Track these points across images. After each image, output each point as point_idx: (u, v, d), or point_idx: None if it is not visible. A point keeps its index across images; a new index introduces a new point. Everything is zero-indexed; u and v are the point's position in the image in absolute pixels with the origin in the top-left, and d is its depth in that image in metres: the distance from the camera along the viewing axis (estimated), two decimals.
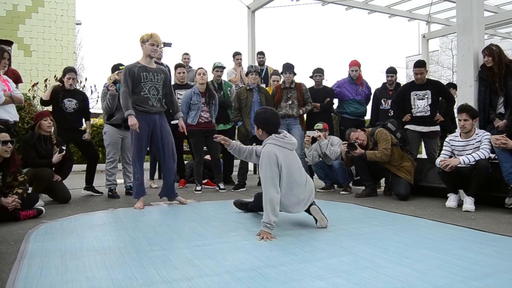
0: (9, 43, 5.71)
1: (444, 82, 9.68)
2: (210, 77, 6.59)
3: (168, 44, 7.08)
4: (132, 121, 4.48)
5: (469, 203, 4.39)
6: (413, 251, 2.78)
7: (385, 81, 6.65)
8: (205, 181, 6.54)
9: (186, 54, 7.78)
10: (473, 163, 4.39)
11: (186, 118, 5.90)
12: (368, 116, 7.22)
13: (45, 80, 9.50)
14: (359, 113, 6.72)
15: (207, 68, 6.22)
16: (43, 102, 5.67)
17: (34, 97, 9.06)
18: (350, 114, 6.67)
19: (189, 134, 5.85)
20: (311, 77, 6.70)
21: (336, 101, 6.92)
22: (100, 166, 8.59)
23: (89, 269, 2.45)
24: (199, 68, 6.13)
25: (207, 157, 6.53)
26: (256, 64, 7.87)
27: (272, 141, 3.38)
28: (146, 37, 4.60)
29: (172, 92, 5.04)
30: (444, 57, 26.03)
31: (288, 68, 6.24)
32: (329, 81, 7.15)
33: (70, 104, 5.56)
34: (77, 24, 16.21)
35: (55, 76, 6.70)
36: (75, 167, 5.65)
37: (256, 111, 3.74)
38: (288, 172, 3.32)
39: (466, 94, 5.20)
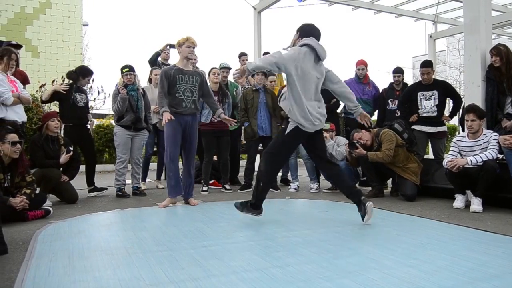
0: (19, 47, 5.73)
1: (451, 82, 9.63)
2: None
3: (173, 46, 7.11)
4: (166, 116, 4.58)
5: (476, 204, 4.36)
6: (420, 252, 2.77)
7: (392, 81, 6.62)
8: (212, 181, 6.54)
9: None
10: (481, 163, 4.37)
11: (200, 117, 5.94)
12: (375, 117, 7.19)
13: (53, 81, 9.56)
14: None
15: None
16: (43, 102, 5.87)
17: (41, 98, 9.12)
18: None
19: (201, 134, 5.90)
20: None
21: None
22: (109, 167, 8.65)
23: (96, 269, 2.46)
24: (212, 68, 6.17)
25: (214, 157, 6.54)
26: None
27: (310, 41, 3.70)
28: (182, 40, 4.79)
29: (210, 93, 5.16)
30: (451, 57, 25.92)
31: None
32: None
33: (81, 98, 5.65)
34: (84, 25, 16.29)
35: (62, 77, 6.75)
36: (82, 167, 5.67)
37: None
38: (303, 77, 3.65)
39: (474, 94, 5.17)
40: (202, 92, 4.98)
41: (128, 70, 5.69)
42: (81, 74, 5.68)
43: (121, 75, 5.71)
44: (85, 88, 5.92)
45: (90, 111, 6.20)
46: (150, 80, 6.73)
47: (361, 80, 6.59)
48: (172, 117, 4.60)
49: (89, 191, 5.75)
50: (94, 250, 2.88)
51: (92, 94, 11.29)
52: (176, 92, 4.75)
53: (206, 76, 6.87)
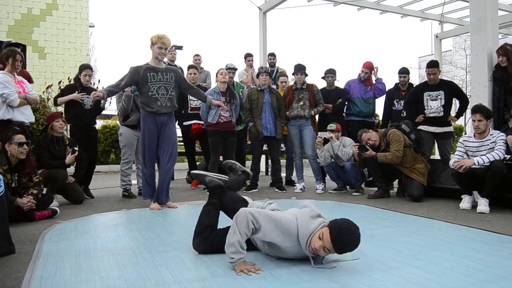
0: (19, 45, 5.72)
1: (458, 82, 9.59)
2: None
3: (179, 47, 7.13)
4: (97, 93, 4.57)
5: (483, 205, 4.34)
6: (426, 253, 2.76)
7: (398, 81, 6.60)
8: None
9: (197, 55, 7.80)
10: (488, 164, 4.34)
11: (206, 117, 5.95)
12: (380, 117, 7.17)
13: (59, 82, 9.60)
14: (365, 114, 6.63)
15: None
16: (56, 105, 5.79)
17: (48, 99, 9.17)
18: (357, 115, 6.59)
19: (208, 135, 5.90)
20: (323, 78, 6.67)
21: None
22: (115, 167, 8.67)
23: (103, 269, 2.47)
24: (220, 69, 6.17)
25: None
26: (267, 65, 7.87)
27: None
28: (155, 39, 4.62)
29: (191, 86, 5.10)
30: (457, 57, 25.80)
31: (300, 69, 6.24)
32: (341, 82, 7.12)
33: (88, 100, 5.59)
34: (90, 26, 16.37)
35: (68, 78, 6.79)
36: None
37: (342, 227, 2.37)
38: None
39: (480, 95, 5.15)
40: (182, 87, 4.86)
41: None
42: (79, 71, 5.68)
43: None
44: (91, 86, 5.86)
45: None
46: None
47: (364, 81, 6.57)
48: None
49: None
50: (101, 250, 2.89)
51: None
52: (148, 90, 4.61)
53: (214, 75, 6.89)
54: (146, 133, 4.68)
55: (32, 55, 12.66)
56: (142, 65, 4.71)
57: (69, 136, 5.42)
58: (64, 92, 5.72)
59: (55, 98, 5.74)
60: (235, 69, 6.91)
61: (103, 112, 6.55)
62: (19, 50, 5.04)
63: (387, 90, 6.69)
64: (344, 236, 2.28)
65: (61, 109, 5.94)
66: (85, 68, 5.72)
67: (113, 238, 3.29)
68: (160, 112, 4.66)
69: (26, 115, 4.82)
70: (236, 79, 7.21)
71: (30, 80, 5.72)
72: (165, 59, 5.66)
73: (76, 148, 5.12)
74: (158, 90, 4.65)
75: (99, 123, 10.78)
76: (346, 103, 6.62)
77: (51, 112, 6.43)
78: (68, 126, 5.54)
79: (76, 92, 5.52)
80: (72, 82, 5.99)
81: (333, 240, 2.27)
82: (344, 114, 6.76)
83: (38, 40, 13.50)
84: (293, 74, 6.38)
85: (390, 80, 7.09)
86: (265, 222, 2.41)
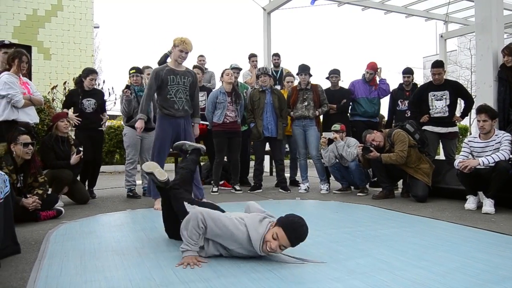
0: (12, 45, 5.70)
1: (463, 82, 9.55)
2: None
3: None
4: (139, 124, 4.66)
5: (488, 205, 4.32)
6: (431, 253, 2.75)
7: (402, 82, 6.58)
8: (222, 182, 6.56)
9: (202, 56, 7.81)
10: (493, 164, 4.32)
11: (212, 117, 5.96)
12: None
13: (64, 83, 9.67)
14: (370, 114, 6.63)
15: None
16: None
17: (53, 100, 9.22)
18: (362, 115, 6.59)
19: (213, 135, 5.92)
20: (327, 78, 6.67)
21: None
22: (120, 167, 8.69)
23: (107, 269, 2.48)
24: (225, 69, 6.18)
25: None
26: (272, 66, 7.87)
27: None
28: (177, 42, 4.64)
29: (196, 96, 5.06)
30: (462, 57, 25.72)
31: (304, 69, 6.23)
32: (345, 82, 7.11)
33: (89, 104, 5.59)
34: (95, 27, 16.41)
35: (73, 79, 6.80)
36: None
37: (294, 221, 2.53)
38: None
39: (485, 95, 5.12)
40: (190, 92, 4.86)
41: (134, 71, 5.73)
42: (83, 75, 5.70)
43: (128, 77, 5.75)
44: (94, 88, 5.88)
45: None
46: None
47: (368, 82, 6.56)
48: (139, 133, 4.74)
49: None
50: (105, 251, 2.90)
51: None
52: (167, 93, 4.66)
53: (218, 76, 6.89)
54: (160, 134, 4.72)
55: (37, 56, 12.70)
56: (163, 67, 4.76)
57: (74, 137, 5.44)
58: (67, 99, 5.79)
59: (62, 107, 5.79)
60: (240, 69, 6.92)
61: (109, 113, 6.58)
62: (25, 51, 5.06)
63: (391, 90, 6.68)
64: (298, 230, 2.47)
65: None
66: (92, 73, 5.74)
67: (117, 238, 3.30)
68: (177, 115, 4.72)
69: (30, 116, 4.84)
70: (240, 79, 7.21)
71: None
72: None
73: (81, 149, 5.14)
74: (176, 93, 4.70)
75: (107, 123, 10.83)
76: (351, 103, 6.61)
77: (55, 112, 6.47)
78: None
79: (71, 110, 5.55)
80: (74, 86, 6.01)
81: (289, 237, 2.44)
82: (348, 114, 6.76)
83: (44, 41, 13.54)
84: (297, 74, 6.38)
85: (395, 80, 7.08)
86: (212, 223, 2.50)
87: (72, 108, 5.61)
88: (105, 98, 6.13)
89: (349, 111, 6.73)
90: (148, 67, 6.31)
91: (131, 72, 5.74)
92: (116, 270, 2.47)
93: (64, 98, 5.95)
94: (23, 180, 4.05)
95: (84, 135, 5.49)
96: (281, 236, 2.43)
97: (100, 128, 5.81)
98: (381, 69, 6.63)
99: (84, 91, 5.62)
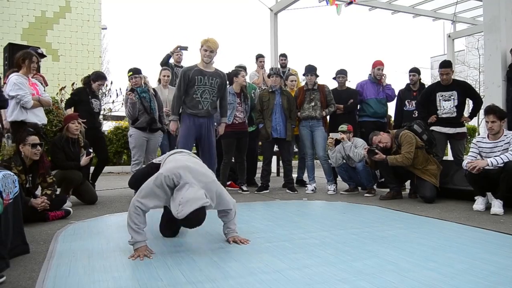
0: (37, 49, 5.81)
1: (471, 82, 9.49)
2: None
3: (184, 48, 7.16)
4: (173, 126, 4.79)
5: (497, 206, 4.29)
6: (439, 254, 2.74)
7: (408, 81, 6.54)
8: (229, 182, 6.56)
9: None
10: (502, 165, 4.29)
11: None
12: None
13: (72, 84, 9.73)
14: (379, 114, 6.60)
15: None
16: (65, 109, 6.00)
17: (62, 101, 9.28)
18: (371, 116, 6.56)
19: (221, 135, 5.93)
20: (334, 78, 6.65)
21: None
22: (127, 168, 8.72)
23: (115, 269, 2.50)
24: (240, 71, 6.19)
25: None
26: (279, 66, 7.86)
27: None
28: (202, 42, 4.76)
29: (225, 97, 5.17)
30: (471, 57, 25.52)
31: (311, 70, 6.22)
32: (352, 83, 7.09)
33: (96, 104, 5.81)
34: (102, 29, 16.52)
35: (82, 80, 6.85)
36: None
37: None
38: None
39: (494, 95, 5.09)
40: (219, 95, 4.97)
41: (132, 73, 5.66)
42: (93, 78, 5.80)
43: (128, 80, 5.77)
44: (109, 94, 6.06)
45: (108, 113, 6.33)
46: (159, 81, 6.73)
47: (377, 80, 6.52)
48: (177, 127, 4.80)
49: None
50: (113, 251, 2.92)
51: (110, 96, 11.51)
52: (193, 93, 4.74)
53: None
54: (184, 132, 4.79)
55: (46, 58, 12.83)
56: (192, 67, 4.84)
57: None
58: (74, 95, 5.90)
59: (66, 103, 5.87)
60: (245, 68, 6.94)
61: (117, 114, 6.65)
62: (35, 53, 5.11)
63: (398, 90, 6.65)
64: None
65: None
66: (101, 79, 5.91)
67: (125, 238, 3.29)
68: (200, 115, 4.81)
69: (39, 117, 4.89)
70: (248, 80, 7.21)
71: (45, 83, 5.82)
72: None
73: (91, 150, 5.18)
74: (202, 94, 4.78)
75: (111, 124, 10.88)
76: (359, 104, 6.58)
77: (64, 114, 6.53)
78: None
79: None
80: (81, 85, 6.09)
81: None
82: (357, 115, 6.73)
83: (52, 43, 13.67)
84: (304, 75, 6.37)
85: (402, 81, 7.05)
86: (147, 201, 2.77)
87: (75, 106, 5.74)
88: (111, 99, 6.27)
89: (358, 112, 6.71)
90: (165, 69, 6.52)
91: (128, 74, 5.72)
92: (124, 270, 2.48)
93: (70, 96, 6.00)
94: (32, 180, 4.08)
95: (90, 133, 5.56)
96: None
97: (101, 129, 5.97)
98: (385, 76, 6.60)
99: (92, 92, 5.81)
